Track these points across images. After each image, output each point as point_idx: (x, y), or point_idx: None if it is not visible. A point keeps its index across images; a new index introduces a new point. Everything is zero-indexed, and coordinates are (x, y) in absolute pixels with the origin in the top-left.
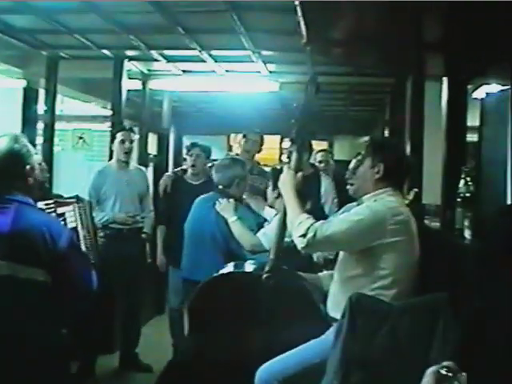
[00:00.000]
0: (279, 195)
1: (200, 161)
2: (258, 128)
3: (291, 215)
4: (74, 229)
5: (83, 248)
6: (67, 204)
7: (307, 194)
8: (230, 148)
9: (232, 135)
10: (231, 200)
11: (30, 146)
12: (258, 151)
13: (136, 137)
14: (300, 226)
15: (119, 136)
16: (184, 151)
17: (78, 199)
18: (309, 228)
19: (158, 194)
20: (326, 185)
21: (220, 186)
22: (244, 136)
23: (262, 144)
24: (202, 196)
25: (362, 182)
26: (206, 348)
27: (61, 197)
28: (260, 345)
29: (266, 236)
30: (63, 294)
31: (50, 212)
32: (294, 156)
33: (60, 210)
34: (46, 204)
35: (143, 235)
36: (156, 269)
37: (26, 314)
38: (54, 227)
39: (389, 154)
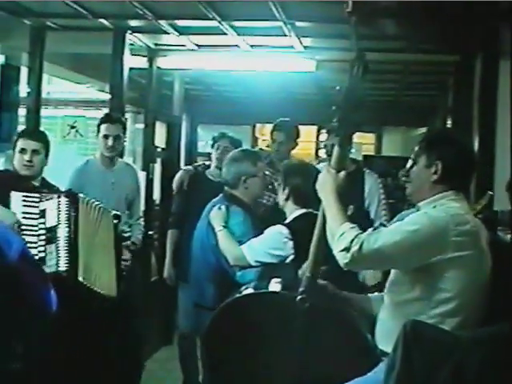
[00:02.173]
0: (288, 197)
1: (227, 155)
2: (290, 117)
3: (332, 225)
4: (54, 227)
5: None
6: (51, 197)
7: (349, 196)
8: (255, 141)
9: (258, 125)
10: (222, 207)
11: None
12: (293, 147)
13: (140, 126)
14: (342, 237)
15: (102, 129)
16: (200, 144)
17: (64, 192)
18: (353, 240)
19: (165, 196)
20: (370, 184)
21: (226, 187)
22: (274, 127)
23: (297, 137)
24: (212, 200)
25: (417, 184)
26: None
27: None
28: (293, 381)
29: (251, 248)
30: (13, 317)
31: (29, 207)
32: (336, 151)
33: (42, 206)
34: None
35: (132, 247)
36: (163, 287)
37: None
38: (1, 235)
39: (448, 150)
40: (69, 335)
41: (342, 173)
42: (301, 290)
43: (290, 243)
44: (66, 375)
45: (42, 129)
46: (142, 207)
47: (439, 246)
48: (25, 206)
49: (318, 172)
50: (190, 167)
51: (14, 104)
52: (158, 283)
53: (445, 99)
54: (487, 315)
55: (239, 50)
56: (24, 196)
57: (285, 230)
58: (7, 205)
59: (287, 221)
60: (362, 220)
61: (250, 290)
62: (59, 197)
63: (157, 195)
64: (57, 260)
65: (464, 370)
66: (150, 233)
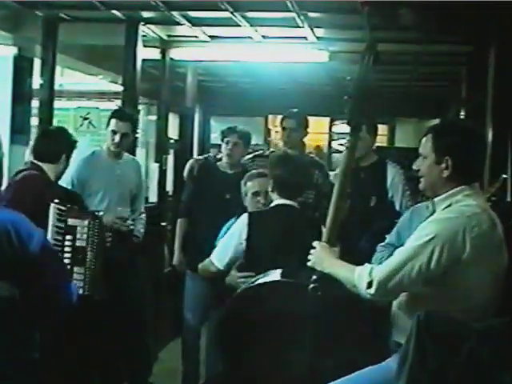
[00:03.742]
0: (274, 188)
1: (237, 150)
2: (302, 108)
3: (348, 280)
4: (83, 248)
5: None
6: (82, 217)
7: (370, 187)
8: (268, 132)
9: (270, 117)
10: None
11: None
12: (304, 135)
13: (153, 117)
14: (360, 277)
15: (111, 124)
16: (213, 136)
17: (94, 215)
18: (370, 272)
19: (178, 187)
20: (393, 174)
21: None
22: (284, 116)
23: (307, 126)
24: None
25: (429, 180)
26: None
27: (67, 191)
28: (304, 369)
29: (217, 252)
30: (34, 311)
31: (59, 220)
32: (346, 149)
33: (71, 222)
34: (58, 209)
35: (134, 239)
36: (176, 278)
37: None
38: (22, 227)
39: (456, 144)
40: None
41: (336, 249)
42: (313, 278)
43: (245, 231)
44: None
45: (55, 121)
46: (155, 198)
47: (456, 250)
48: (58, 219)
49: (303, 162)
50: (200, 157)
51: (27, 96)
52: (171, 274)
53: (458, 90)
54: (502, 305)
55: (252, 41)
56: (58, 209)
57: (245, 218)
58: (45, 214)
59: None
60: (384, 211)
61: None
62: (92, 219)
63: (170, 186)
64: (84, 284)
65: (476, 359)
66: (163, 224)
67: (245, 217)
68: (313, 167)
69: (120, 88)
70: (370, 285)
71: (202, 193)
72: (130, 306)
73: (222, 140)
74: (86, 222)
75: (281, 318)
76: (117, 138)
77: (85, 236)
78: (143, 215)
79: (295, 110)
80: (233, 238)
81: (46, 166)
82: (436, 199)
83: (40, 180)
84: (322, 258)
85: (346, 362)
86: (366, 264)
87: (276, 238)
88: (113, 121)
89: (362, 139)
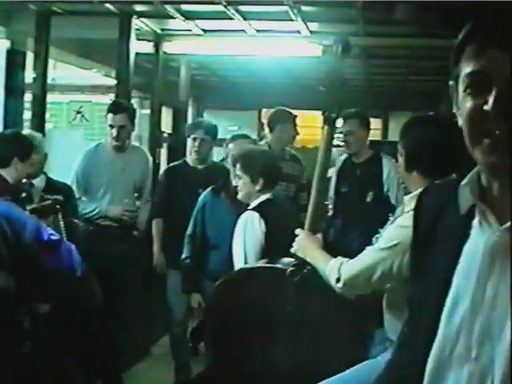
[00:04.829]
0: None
1: (205, 145)
2: (296, 102)
3: (323, 270)
4: None
5: None
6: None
7: (366, 183)
8: (261, 126)
9: (264, 110)
10: None
11: None
12: (294, 136)
13: (146, 111)
14: (331, 270)
15: (108, 119)
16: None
17: (55, 208)
18: (340, 268)
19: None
20: (388, 168)
21: None
22: (273, 115)
23: (295, 125)
24: None
25: (403, 176)
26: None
27: (56, 184)
28: (284, 355)
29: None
30: (30, 300)
31: None
32: (322, 145)
33: None
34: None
35: (135, 233)
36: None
37: None
38: (14, 216)
39: (410, 138)
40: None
41: (318, 235)
42: (293, 263)
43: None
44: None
45: (48, 114)
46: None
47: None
48: None
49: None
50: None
51: (19, 89)
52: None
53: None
54: None
55: (246, 35)
56: None
57: (255, 214)
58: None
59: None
60: (382, 206)
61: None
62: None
63: None
64: None
65: None
66: None
67: (254, 215)
68: (291, 161)
69: (113, 82)
70: (338, 280)
71: (174, 191)
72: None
73: (188, 136)
74: (51, 218)
75: (261, 302)
76: (114, 132)
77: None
78: (148, 204)
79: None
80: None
81: (1, 171)
82: (405, 198)
83: None
84: (304, 245)
85: (324, 347)
86: (339, 257)
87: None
88: (109, 115)
89: (354, 134)
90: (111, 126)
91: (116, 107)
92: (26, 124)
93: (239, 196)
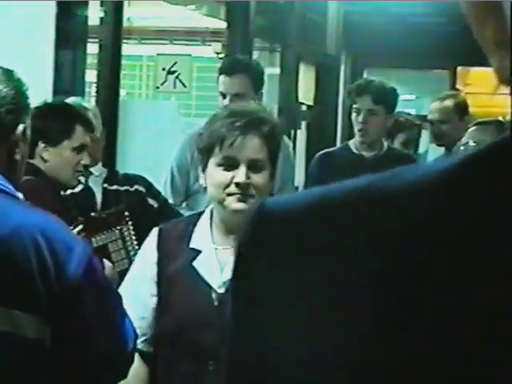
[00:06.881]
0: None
1: (375, 121)
2: None
3: None
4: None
5: None
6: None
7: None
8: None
9: (459, 68)
10: None
11: (26, 90)
12: None
13: (275, 71)
14: None
15: (220, 83)
16: None
17: (123, 214)
18: None
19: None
20: None
21: None
22: None
23: None
24: None
25: None
26: None
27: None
28: None
29: None
30: (72, 362)
31: None
32: None
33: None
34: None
35: None
36: None
37: None
38: (57, 236)
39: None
40: None
41: None
42: None
43: None
44: None
45: (121, 75)
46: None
47: None
48: None
49: None
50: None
51: (79, 38)
52: None
53: None
54: None
55: None
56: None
57: None
58: None
59: None
60: None
61: None
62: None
63: (300, 178)
64: None
65: None
66: None
67: None
68: None
69: (223, 25)
70: None
71: None
72: None
73: (350, 107)
74: (117, 232)
75: None
76: (226, 102)
77: (123, 252)
78: None
79: None
80: None
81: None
82: None
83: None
84: None
85: None
86: None
87: None
88: (220, 78)
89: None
90: (223, 95)
91: (232, 65)
92: (87, 90)
93: None
